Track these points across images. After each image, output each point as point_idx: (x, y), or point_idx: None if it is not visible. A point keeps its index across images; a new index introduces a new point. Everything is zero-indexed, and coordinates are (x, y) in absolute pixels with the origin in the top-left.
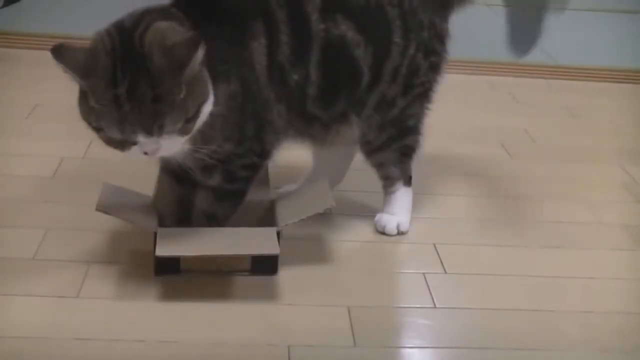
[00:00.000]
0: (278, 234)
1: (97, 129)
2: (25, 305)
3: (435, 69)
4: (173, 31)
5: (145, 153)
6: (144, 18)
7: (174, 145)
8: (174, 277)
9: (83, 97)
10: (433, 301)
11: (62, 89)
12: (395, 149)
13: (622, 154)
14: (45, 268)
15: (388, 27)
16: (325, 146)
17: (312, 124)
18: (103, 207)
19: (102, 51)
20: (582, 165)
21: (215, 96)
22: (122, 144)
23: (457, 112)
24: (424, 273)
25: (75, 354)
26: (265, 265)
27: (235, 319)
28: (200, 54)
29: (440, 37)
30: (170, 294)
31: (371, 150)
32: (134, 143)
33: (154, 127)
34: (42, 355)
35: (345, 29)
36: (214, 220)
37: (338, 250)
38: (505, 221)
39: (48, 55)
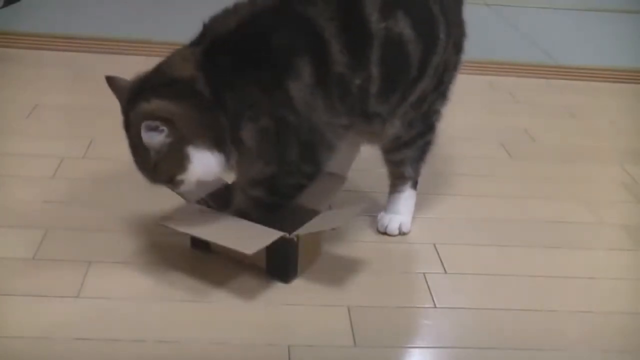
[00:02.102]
0: (293, 240)
1: None
2: (25, 305)
3: (456, 66)
4: (152, 113)
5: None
6: (152, 87)
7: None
8: (173, 277)
9: None
10: (433, 301)
11: (62, 89)
12: (419, 145)
13: (622, 154)
14: (45, 268)
15: (435, 23)
16: (380, 141)
17: (373, 122)
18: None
19: (124, 98)
20: (582, 165)
21: (239, 135)
22: None
23: (457, 112)
24: (424, 273)
25: (75, 354)
26: (279, 271)
27: (235, 319)
28: (158, 139)
29: (464, 35)
30: (170, 294)
31: (398, 146)
32: None
33: (144, 176)
34: (42, 355)
35: (403, 26)
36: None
37: (338, 250)
38: (505, 221)
39: (48, 55)
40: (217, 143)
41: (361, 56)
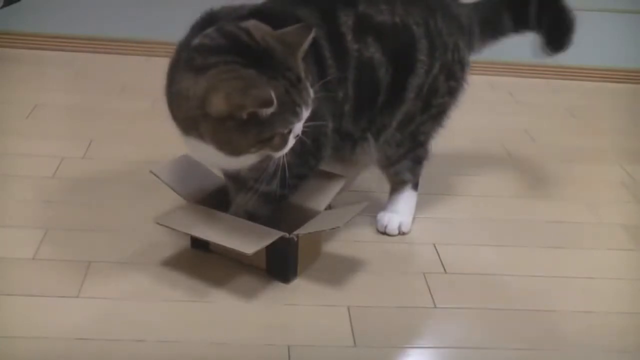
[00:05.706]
0: (293, 239)
1: (269, 139)
2: (25, 305)
3: (452, 93)
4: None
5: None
6: None
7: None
8: (173, 277)
9: (243, 126)
10: (433, 301)
11: (62, 89)
12: (410, 158)
13: (622, 154)
14: (45, 268)
15: (413, 45)
16: (350, 166)
17: (344, 142)
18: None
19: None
20: (582, 165)
21: None
22: (286, 139)
23: (458, 112)
24: (424, 273)
25: (75, 354)
26: (279, 271)
27: (235, 319)
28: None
29: (461, 63)
30: (170, 294)
31: (389, 164)
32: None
33: (309, 99)
34: (42, 355)
35: (374, 51)
36: (252, 219)
37: (338, 250)
38: (505, 221)
39: (48, 55)
40: None
41: (343, 70)
